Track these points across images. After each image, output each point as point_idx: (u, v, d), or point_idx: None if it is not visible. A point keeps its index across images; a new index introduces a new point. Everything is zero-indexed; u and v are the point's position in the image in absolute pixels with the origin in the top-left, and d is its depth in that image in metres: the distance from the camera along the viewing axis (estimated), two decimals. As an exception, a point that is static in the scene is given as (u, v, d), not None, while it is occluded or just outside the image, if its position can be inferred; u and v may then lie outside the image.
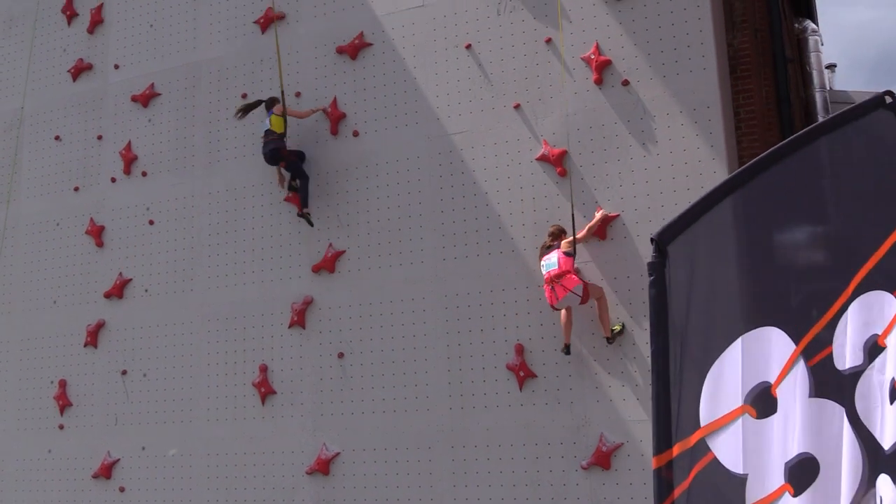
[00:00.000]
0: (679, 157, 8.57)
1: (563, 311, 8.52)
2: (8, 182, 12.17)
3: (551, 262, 8.35)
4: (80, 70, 11.94)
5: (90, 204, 11.51)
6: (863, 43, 49.80)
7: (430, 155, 9.58)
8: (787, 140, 3.47)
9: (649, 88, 8.74)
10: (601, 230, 8.68)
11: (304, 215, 9.91)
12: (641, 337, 8.37)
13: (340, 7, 10.34)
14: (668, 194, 8.53)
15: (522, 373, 8.80)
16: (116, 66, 11.67)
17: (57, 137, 11.94)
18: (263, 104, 10.09)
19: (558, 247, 8.44)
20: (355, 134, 9.99)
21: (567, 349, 8.53)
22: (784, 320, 3.31)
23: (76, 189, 11.66)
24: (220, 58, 10.97)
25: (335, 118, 10.09)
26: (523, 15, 9.39)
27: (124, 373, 10.87)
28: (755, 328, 3.32)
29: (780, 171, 3.38)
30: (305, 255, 10.06)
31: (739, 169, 3.51)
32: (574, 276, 8.31)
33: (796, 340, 3.27)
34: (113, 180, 11.39)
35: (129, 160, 11.30)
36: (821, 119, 13.61)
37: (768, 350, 3.29)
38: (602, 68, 8.95)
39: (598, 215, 8.66)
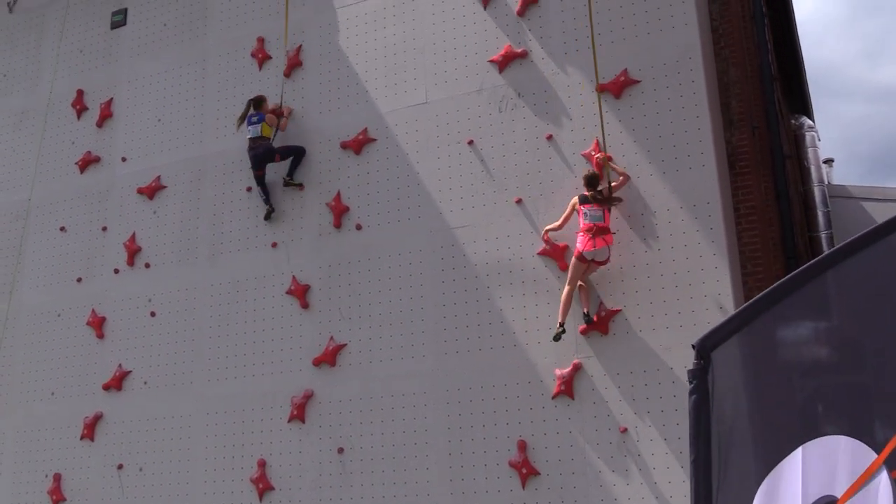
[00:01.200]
0: (680, 252, 8.60)
1: (566, 290, 8.53)
2: (12, 273, 12.22)
3: (597, 214, 8.55)
4: (87, 162, 12.12)
5: (92, 295, 11.52)
6: (859, 137, 50.62)
7: (433, 248, 9.63)
8: (862, 233, 3.15)
9: (649, 185, 8.84)
10: (604, 325, 8.65)
11: (291, 183, 10.34)
12: (647, 434, 8.26)
13: (345, 104, 10.55)
14: (670, 289, 8.54)
15: (525, 470, 8.65)
16: (124, 159, 11.85)
17: (62, 228, 12.03)
18: (251, 103, 10.48)
19: (600, 199, 8.56)
20: (358, 227, 10.07)
21: (560, 331, 8.47)
22: (859, 428, 2.99)
23: (79, 280, 11.69)
24: (225, 151, 11.14)
25: (338, 212, 10.19)
26: (524, 112, 9.57)
27: (120, 467, 10.70)
28: (820, 437, 3.05)
29: (846, 269, 3.15)
30: (306, 348, 10.02)
31: (796, 271, 3.30)
32: (611, 236, 8.55)
33: (878, 448, 2.93)
34: (116, 272, 11.43)
35: (133, 251, 11.36)
36: (820, 213, 13.71)
37: (835, 461, 2.99)
38: (602, 165, 9.07)
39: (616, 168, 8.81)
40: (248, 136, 10.41)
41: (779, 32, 15.92)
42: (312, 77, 10.85)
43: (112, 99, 12.19)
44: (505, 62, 9.78)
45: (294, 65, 10.96)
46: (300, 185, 10.43)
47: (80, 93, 12.44)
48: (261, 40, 11.25)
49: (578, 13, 9.56)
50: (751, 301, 3.32)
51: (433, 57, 10.19)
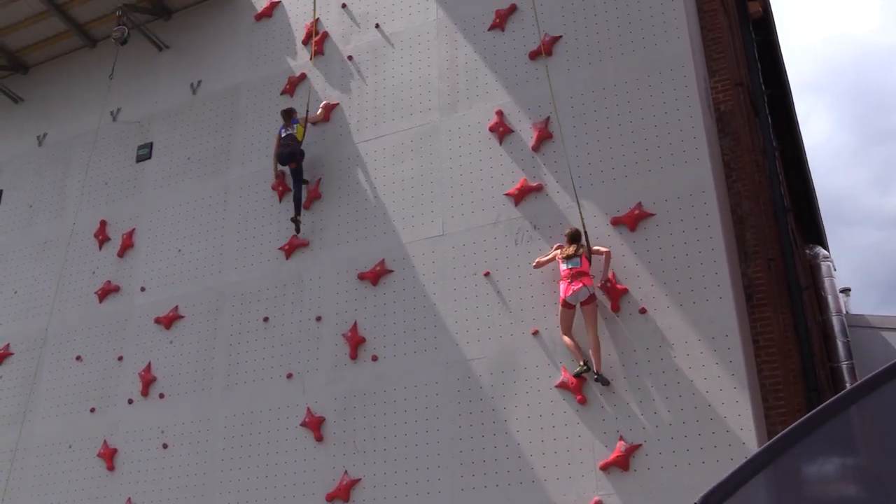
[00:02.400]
0: (700, 385, 8.49)
1: (567, 340, 8.93)
2: (24, 402, 12.15)
3: (575, 261, 8.94)
4: (106, 292, 12.23)
5: (105, 426, 11.41)
6: (873, 264, 50.70)
7: (449, 381, 9.55)
8: (885, 367, 3.14)
9: (666, 317, 8.82)
10: (624, 461, 8.46)
11: (295, 221, 10.84)
12: (670, 577, 7.94)
13: (363, 235, 10.69)
14: (691, 424, 8.38)
15: None
16: (143, 289, 11.96)
17: (78, 358, 12.03)
18: (282, 114, 11.27)
19: (581, 252, 8.96)
20: (374, 359, 10.02)
21: (583, 368, 8.79)
22: None
23: (92, 410, 11.60)
24: (243, 282, 11.24)
25: (354, 342, 10.17)
26: (540, 245, 9.66)
27: None
28: None
29: (870, 404, 3.13)
30: (320, 482, 9.81)
31: (820, 406, 3.26)
32: (591, 279, 8.88)
33: None
34: (130, 402, 11.36)
35: (148, 382, 11.31)
36: (840, 343, 13.59)
37: None
38: (619, 297, 9.08)
39: (604, 254, 9.10)
40: (283, 135, 11.15)
41: (790, 164, 16.22)
42: (331, 209, 11.05)
43: (134, 229, 12.41)
44: (521, 195, 9.95)
45: (314, 197, 11.18)
46: (298, 228, 10.93)
47: (103, 223, 12.69)
48: (281, 173, 11.51)
49: (592, 148, 9.78)
50: (757, 451, 3.29)
51: (450, 190, 10.38)
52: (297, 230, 10.94)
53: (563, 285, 8.99)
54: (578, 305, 8.91)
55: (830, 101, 54.49)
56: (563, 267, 9.02)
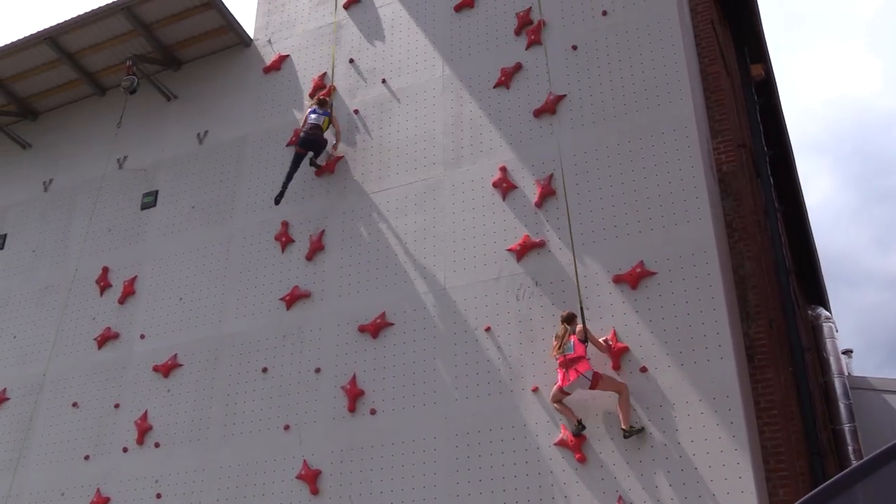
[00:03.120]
0: (701, 446, 8.41)
1: (557, 405, 8.84)
2: (18, 448, 12.04)
3: (568, 346, 8.73)
4: (106, 339, 12.19)
5: (99, 474, 11.29)
6: (876, 325, 50.53)
7: (447, 437, 9.47)
8: (890, 445, 3.13)
9: (667, 376, 8.77)
10: (623, 522, 8.36)
11: (313, 163, 11.53)
12: None
13: (364, 287, 10.70)
14: (692, 485, 8.29)
15: None
16: (142, 336, 11.92)
17: (74, 404, 11.95)
18: (317, 100, 11.68)
19: (573, 333, 8.76)
20: (372, 412, 9.95)
21: (579, 427, 8.76)
22: None
23: (86, 458, 11.48)
24: (243, 332, 11.21)
25: (353, 395, 10.11)
26: (541, 301, 9.65)
27: None
28: None
29: (875, 482, 3.12)
30: (314, 537, 9.67)
31: (824, 485, 3.21)
32: (587, 362, 8.61)
33: None
34: (125, 450, 11.25)
35: (144, 430, 11.22)
36: (842, 405, 13.50)
37: None
38: (620, 355, 9.04)
39: (607, 340, 9.01)
40: (310, 122, 11.44)
41: (791, 224, 16.28)
42: (334, 260, 11.07)
43: (136, 276, 12.43)
44: (523, 251, 9.97)
45: (316, 249, 11.22)
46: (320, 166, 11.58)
47: (105, 270, 12.70)
48: (285, 224, 11.57)
49: (594, 206, 9.83)
50: None
51: (452, 244, 10.41)
52: (277, 202, 11.46)
53: (559, 373, 8.82)
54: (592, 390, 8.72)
55: (832, 161, 54.91)
56: (557, 354, 8.84)
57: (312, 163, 11.54)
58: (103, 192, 13.37)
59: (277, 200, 11.47)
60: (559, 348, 8.83)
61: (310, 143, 11.42)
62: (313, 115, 11.49)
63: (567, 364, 8.71)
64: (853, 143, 53.05)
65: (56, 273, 13.23)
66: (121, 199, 13.24)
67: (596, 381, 8.63)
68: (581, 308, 8.95)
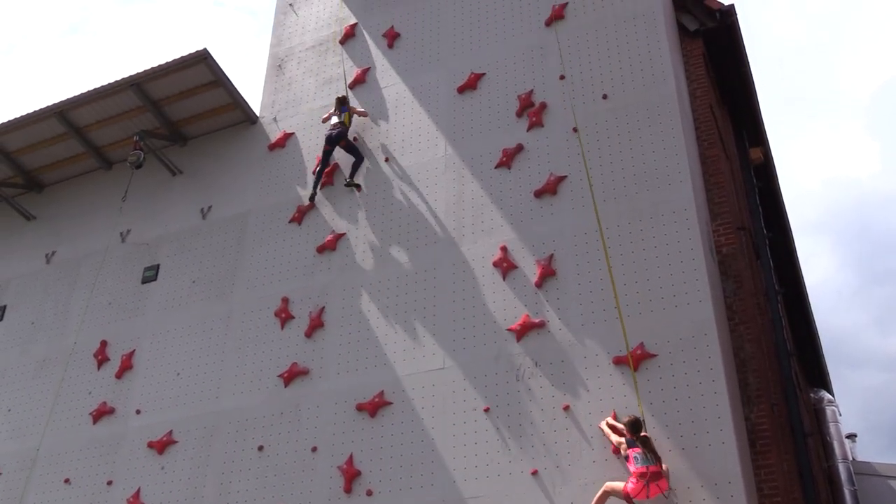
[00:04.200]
0: (703, 534, 8.24)
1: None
2: (8, 525, 11.83)
3: (647, 458, 8.27)
4: (101, 413, 12.07)
5: (88, 553, 11.05)
6: (880, 407, 50.04)
7: (445, 520, 9.29)
8: None
9: (669, 462, 8.63)
10: None
11: (351, 184, 11.93)
12: None
13: (363, 366, 10.63)
14: (694, 575, 8.10)
15: None
16: (138, 412, 11.81)
17: (67, 480, 11.77)
18: (336, 100, 12.50)
19: (643, 444, 8.34)
20: (369, 493, 9.79)
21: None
22: None
23: (77, 536, 11.26)
24: (240, 408, 11.11)
25: (349, 476, 9.95)
26: (541, 382, 9.58)
27: None
28: None
29: None
30: None
31: None
32: (666, 481, 8.30)
33: None
34: (116, 529, 11.04)
35: (136, 508, 11.03)
36: (847, 491, 13.28)
37: None
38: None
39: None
40: (333, 122, 12.21)
41: (792, 306, 16.26)
42: (333, 338, 11.03)
43: (134, 351, 12.37)
44: (523, 331, 9.94)
45: (316, 325, 11.19)
46: (358, 187, 11.94)
47: (104, 343, 12.65)
48: (285, 300, 11.57)
49: (595, 286, 9.84)
50: None
51: (452, 323, 10.39)
52: (358, 187, 11.96)
53: (634, 482, 8.30)
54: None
55: (832, 241, 55.17)
56: (636, 465, 8.35)
57: (350, 183, 11.93)
58: (105, 265, 13.40)
59: (311, 199, 12.14)
60: (639, 457, 8.34)
61: (335, 139, 12.06)
62: (335, 118, 12.27)
63: (649, 479, 8.22)
64: (853, 224, 53.42)
65: (54, 346, 13.17)
66: (122, 272, 13.27)
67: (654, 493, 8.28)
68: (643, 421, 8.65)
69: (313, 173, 12.36)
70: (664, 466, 8.41)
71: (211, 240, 12.83)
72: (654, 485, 8.25)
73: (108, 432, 11.90)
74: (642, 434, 8.45)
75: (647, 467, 8.28)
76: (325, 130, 12.35)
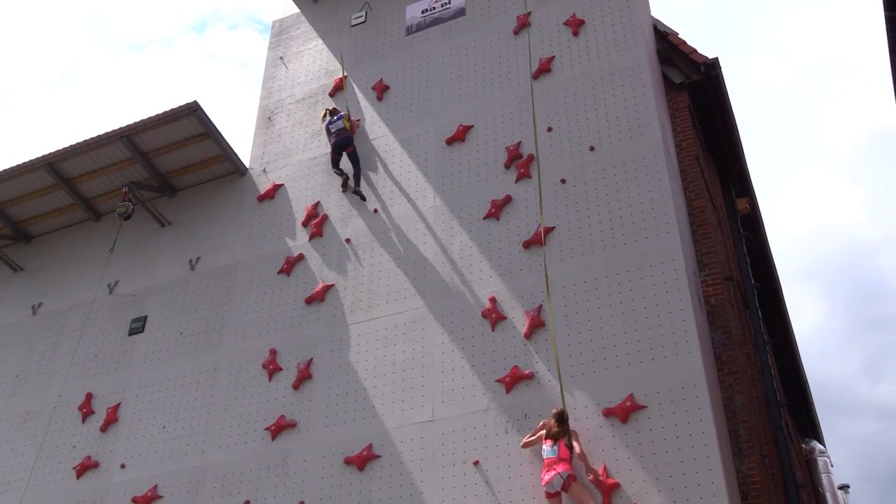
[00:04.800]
0: (695, 590, 8.12)
1: None
2: (-12, 583, 11.56)
3: (554, 449, 8.81)
4: (85, 468, 11.88)
5: None
6: (872, 456, 49.76)
7: (434, 576, 9.13)
8: None
9: (660, 515, 8.55)
10: None
11: (357, 192, 12.21)
12: None
13: (351, 418, 10.54)
14: None
15: None
16: (123, 466, 11.63)
17: (49, 537, 11.55)
18: (328, 111, 13.14)
19: (562, 437, 8.82)
20: (356, 549, 9.64)
21: None
22: None
23: None
24: (227, 462, 10.96)
25: (337, 531, 9.81)
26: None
27: None
28: None
29: None
30: None
31: None
32: (568, 464, 8.71)
33: None
34: (98, 587, 10.79)
35: (119, 566, 10.81)
36: (840, 544, 13.12)
37: None
38: (610, 491, 8.84)
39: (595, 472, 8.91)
40: (334, 130, 12.65)
41: (781, 355, 16.24)
42: (321, 390, 10.94)
43: (119, 404, 12.22)
44: (512, 383, 9.89)
45: (304, 377, 11.11)
46: (363, 197, 12.22)
47: (89, 396, 12.51)
48: (273, 352, 11.49)
49: (584, 337, 9.82)
50: None
51: (441, 375, 10.33)
52: (363, 197, 12.23)
53: (543, 472, 8.91)
54: (563, 493, 8.76)
55: (820, 288, 55.32)
56: (543, 455, 8.95)
57: (356, 191, 12.22)
58: (91, 317, 13.30)
59: (344, 185, 12.52)
60: (548, 448, 8.86)
61: (342, 144, 12.52)
62: (333, 125, 12.69)
63: (549, 465, 8.77)
64: (840, 271, 53.66)
65: (39, 399, 13.00)
66: (109, 324, 13.17)
67: (568, 483, 8.66)
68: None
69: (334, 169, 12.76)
70: (577, 450, 8.89)
71: (199, 291, 12.78)
72: (552, 468, 8.71)
73: (92, 487, 11.70)
74: (564, 428, 8.91)
75: (549, 458, 8.80)
76: (325, 130, 12.96)
